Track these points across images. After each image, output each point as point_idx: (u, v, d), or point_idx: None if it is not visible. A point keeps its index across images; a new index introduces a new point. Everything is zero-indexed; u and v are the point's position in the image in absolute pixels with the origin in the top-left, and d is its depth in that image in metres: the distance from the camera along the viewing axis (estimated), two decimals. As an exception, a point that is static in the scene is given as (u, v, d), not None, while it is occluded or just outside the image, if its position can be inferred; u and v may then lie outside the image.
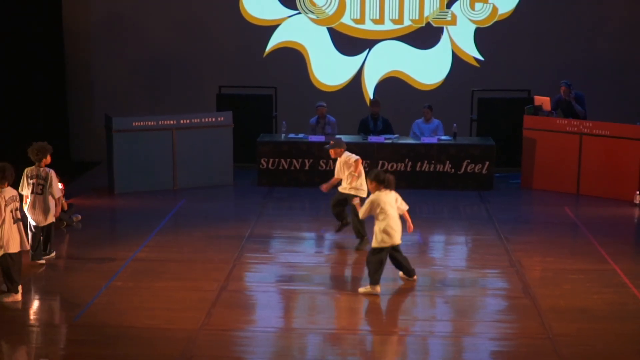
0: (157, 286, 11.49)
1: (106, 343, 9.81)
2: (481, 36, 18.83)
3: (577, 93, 17.04)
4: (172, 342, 9.82)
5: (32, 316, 10.75)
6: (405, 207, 11.56)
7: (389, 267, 11.52)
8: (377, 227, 11.24)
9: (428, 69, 19.03)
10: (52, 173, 12.34)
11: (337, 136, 16.75)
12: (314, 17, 18.86)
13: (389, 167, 16.59)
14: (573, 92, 16.99)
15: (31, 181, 12.29)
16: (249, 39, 19.04)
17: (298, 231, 14.19)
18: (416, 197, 16.08)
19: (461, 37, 18.86)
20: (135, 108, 18.68)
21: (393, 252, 11.43)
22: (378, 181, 11.31)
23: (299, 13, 18.87)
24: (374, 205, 11.26)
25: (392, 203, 11.32)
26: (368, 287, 11.28)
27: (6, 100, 17.89)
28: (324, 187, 13.50)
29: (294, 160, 16.85)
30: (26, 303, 11.06)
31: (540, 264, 12.56)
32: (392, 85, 19.05)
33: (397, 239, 11.29)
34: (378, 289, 11.23)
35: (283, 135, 17.15)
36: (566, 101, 16.98)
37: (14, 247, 10.89)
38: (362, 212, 11.51)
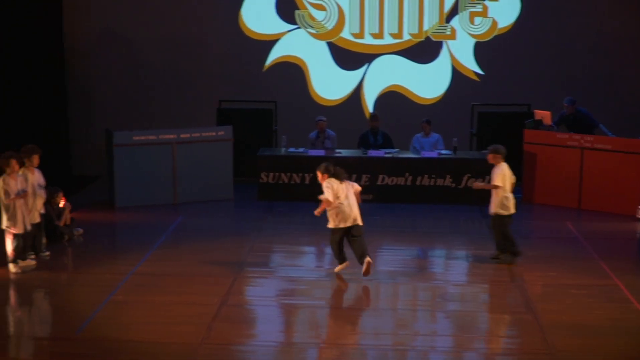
0: (158, 300, 11.47)
1: (108, 357, 9.81)
2: (481, 50, 18.84)
3: (581, 109, 16.98)
4: (172, 356, 9.81)
5: (33, 329, 10.74)
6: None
7: (392, 283, 11.52)
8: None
9: (428, 83, 19.02)
10: None
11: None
12: (313, 31, 18.87)
13: (389, 182, 16.57)
14: (577, 108, 16.92)
15: None
16: (249, 53, 19.05)
17: (298, 245, 14.19)
18: (416, 211, 16.09)
19: (461, 51, 18.87)
20: (135, 122, 18.66)
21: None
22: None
23: (299, 27, 18.88)
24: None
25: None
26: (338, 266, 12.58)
27: (7, 116, 17.89)
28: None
29: (294, 175, 16.84)
30: (28, 316, 11.07)
31: (542, 279, 12.53)
32: (392, 99, 19.05)
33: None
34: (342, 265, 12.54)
35: (283, 149, 17.14)
36: (570, 117, 16.94)
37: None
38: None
